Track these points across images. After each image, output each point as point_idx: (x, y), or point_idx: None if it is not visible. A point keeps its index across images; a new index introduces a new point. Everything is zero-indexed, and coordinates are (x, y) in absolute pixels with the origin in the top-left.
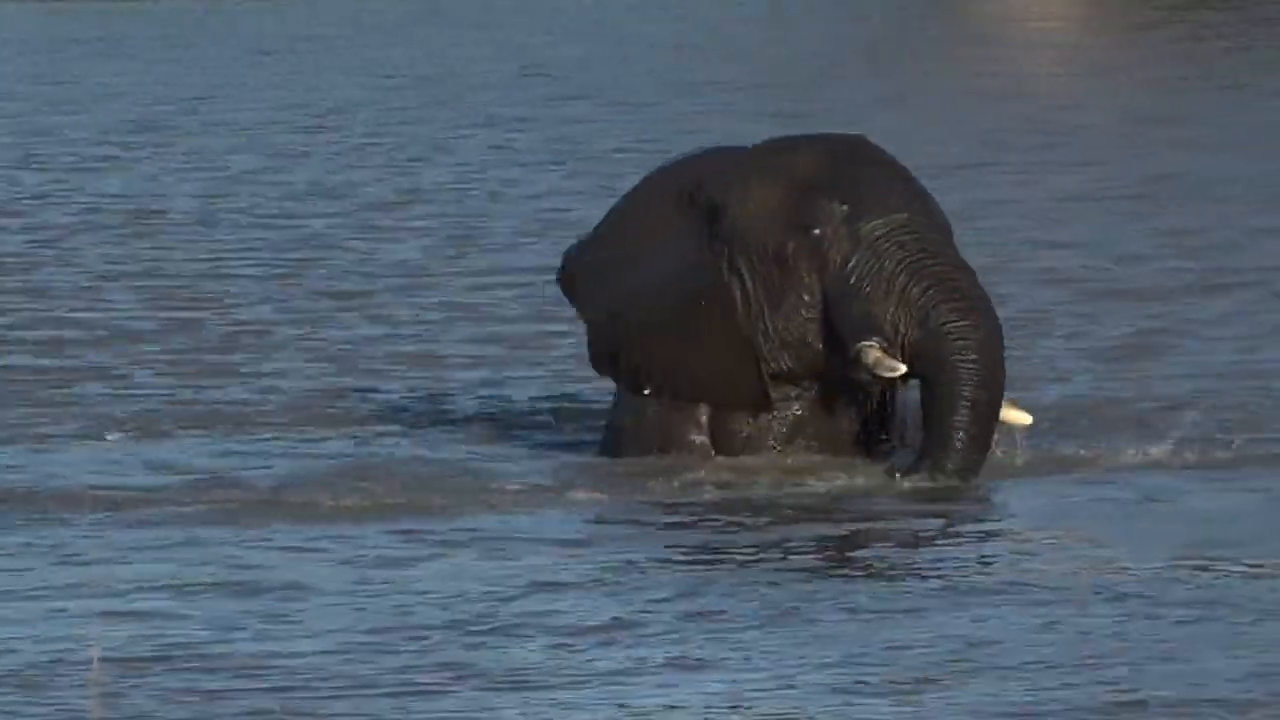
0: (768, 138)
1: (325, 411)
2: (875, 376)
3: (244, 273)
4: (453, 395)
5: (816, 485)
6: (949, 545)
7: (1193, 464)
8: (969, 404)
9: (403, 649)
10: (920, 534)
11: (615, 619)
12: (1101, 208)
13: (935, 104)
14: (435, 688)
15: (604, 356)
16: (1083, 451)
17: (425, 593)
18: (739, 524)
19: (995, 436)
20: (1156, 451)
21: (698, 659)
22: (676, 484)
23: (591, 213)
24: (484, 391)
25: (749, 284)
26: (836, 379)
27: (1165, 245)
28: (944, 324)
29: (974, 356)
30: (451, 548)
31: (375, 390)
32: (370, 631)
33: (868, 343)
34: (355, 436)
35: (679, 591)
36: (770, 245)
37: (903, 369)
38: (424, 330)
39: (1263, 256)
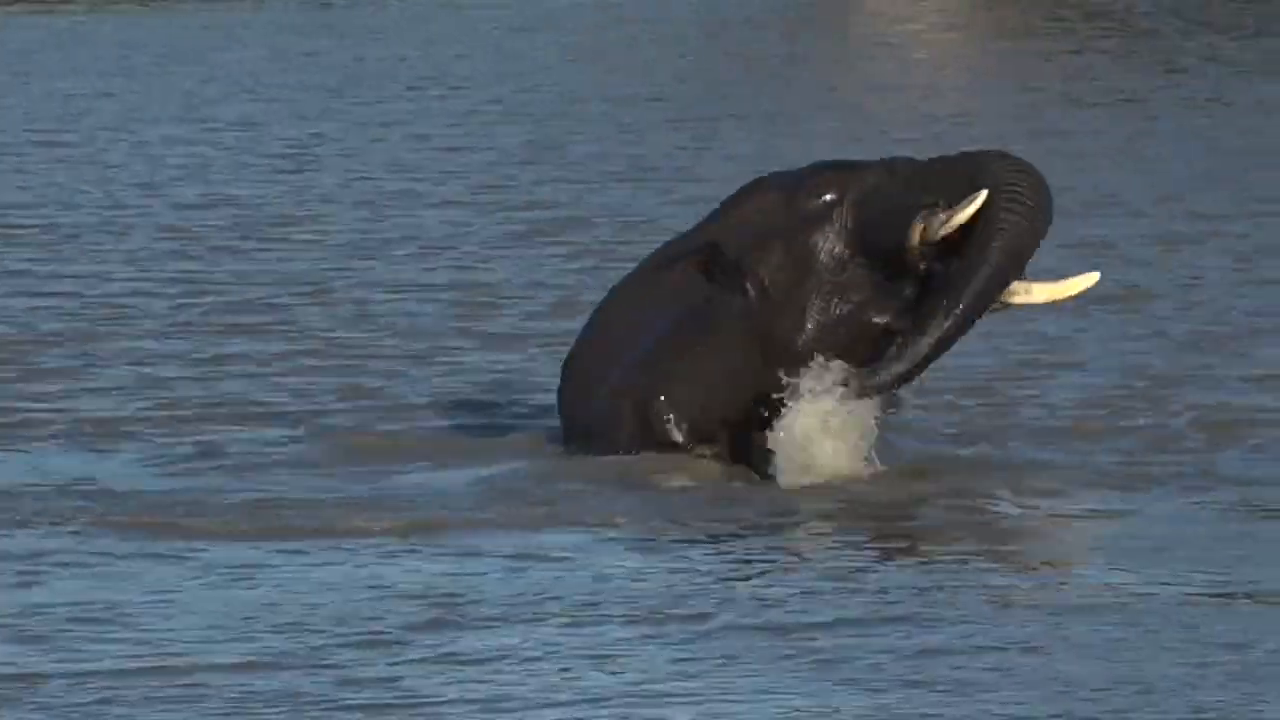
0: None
1: (220, 424)
2: (943, 237)
3: (138, 287)
4: (354, 409)
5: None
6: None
7: (1106, 482)
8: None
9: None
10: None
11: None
12: None
13: (824, 119)
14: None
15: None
16: (997, 465)
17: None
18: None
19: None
20: (1072, 469)
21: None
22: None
23: (489, 226)
24: (387, 403)
25: (767, 282)
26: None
27: (1069, 258)
28: (1001, 183)
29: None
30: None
31: (272, 401)
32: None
33: (917, 221)
34: (245, 452)
35: (567, 611)
36: (782, 236)
37: (974, 204)
38: (322, 341)
39: (1167, 269)
